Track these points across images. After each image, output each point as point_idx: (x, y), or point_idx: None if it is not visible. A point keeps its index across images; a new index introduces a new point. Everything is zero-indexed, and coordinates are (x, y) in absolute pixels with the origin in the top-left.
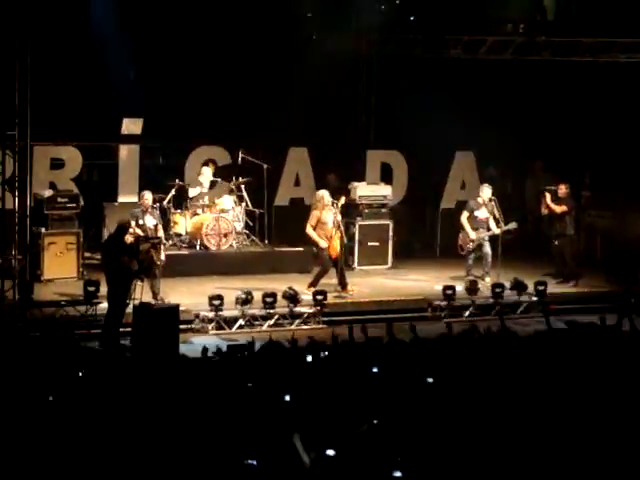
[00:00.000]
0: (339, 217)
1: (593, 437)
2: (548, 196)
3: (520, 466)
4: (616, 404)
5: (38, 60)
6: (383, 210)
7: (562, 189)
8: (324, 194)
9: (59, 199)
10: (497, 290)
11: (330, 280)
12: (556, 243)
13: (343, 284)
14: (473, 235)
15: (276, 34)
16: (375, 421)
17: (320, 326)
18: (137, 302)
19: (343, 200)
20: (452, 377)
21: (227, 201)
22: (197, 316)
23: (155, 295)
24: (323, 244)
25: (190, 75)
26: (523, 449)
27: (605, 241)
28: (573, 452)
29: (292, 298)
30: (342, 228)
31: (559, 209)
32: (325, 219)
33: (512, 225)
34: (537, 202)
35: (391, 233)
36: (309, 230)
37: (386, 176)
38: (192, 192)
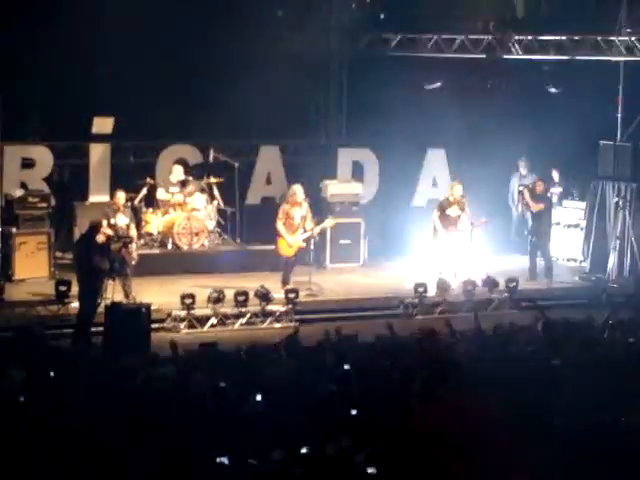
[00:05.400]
0: (309, 216)
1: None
2: (527, 193)
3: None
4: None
5: (7, 60)
6: (355, 208)
7: (539, 186)
8: (297, 190)
9: (30, 199)
10: (469, 287)
11: (302, 277)
12: (533, 240)
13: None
14: (444, 233)
15: (246, 33)
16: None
17: (292, 324)
18: (109, 301)
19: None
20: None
21: (198, 200)
22: (169, 315)
23: (127, 294)
24: (290, 240)
25: (161, 73)
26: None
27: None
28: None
29: (264, 296)
30: (311, 228)
31: (536, 207)
32: (293, 214)
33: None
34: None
35: (363, 231)
36: (279, 225)
37: (357, 174)
38: (162, 192)
